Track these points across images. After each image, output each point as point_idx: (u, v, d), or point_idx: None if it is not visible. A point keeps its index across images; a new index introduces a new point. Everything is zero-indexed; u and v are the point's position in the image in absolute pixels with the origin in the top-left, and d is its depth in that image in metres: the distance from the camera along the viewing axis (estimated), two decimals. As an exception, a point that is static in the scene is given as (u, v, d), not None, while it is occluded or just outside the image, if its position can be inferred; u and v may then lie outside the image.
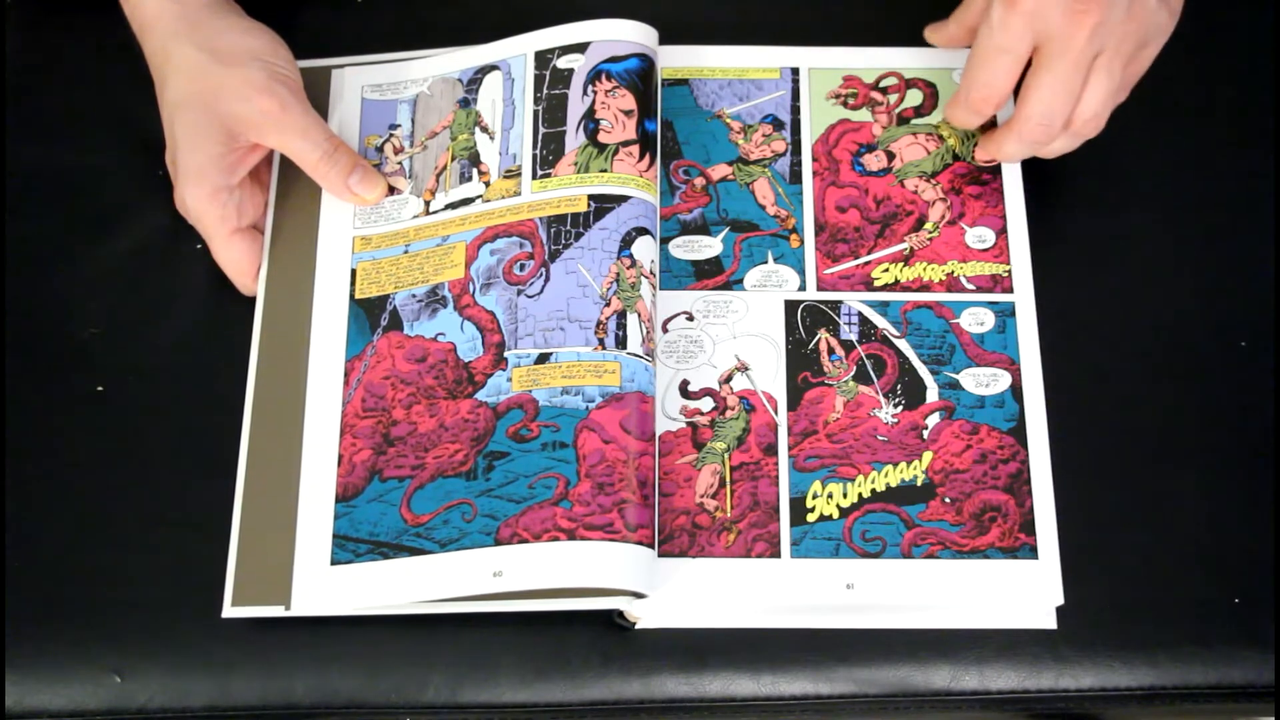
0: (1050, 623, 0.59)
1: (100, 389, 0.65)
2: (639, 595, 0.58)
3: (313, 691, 0.60)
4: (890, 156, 0.66)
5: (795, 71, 0.68)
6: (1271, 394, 0.62)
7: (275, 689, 0.60)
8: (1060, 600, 0.57)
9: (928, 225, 0.64)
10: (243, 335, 0.65)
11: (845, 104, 0.67)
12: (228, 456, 0.62)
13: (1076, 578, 0.58)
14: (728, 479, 0.61)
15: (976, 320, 0.62)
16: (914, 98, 0.67)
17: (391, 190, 0.66)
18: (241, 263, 0.65)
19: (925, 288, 0.63)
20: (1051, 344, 0.62)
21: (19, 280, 0.67)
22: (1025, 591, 0.58)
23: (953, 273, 0.63)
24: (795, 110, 0.67)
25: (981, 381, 0.61)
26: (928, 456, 0.60)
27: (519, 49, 0.67)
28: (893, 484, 0.60)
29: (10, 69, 0.72)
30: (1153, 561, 0.60)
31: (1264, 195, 0.66)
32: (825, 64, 0.68)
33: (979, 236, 0.63)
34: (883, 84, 0.67)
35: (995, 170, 0.65)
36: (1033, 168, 0.65)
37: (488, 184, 0.65)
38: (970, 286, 0.63)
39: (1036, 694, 0.59)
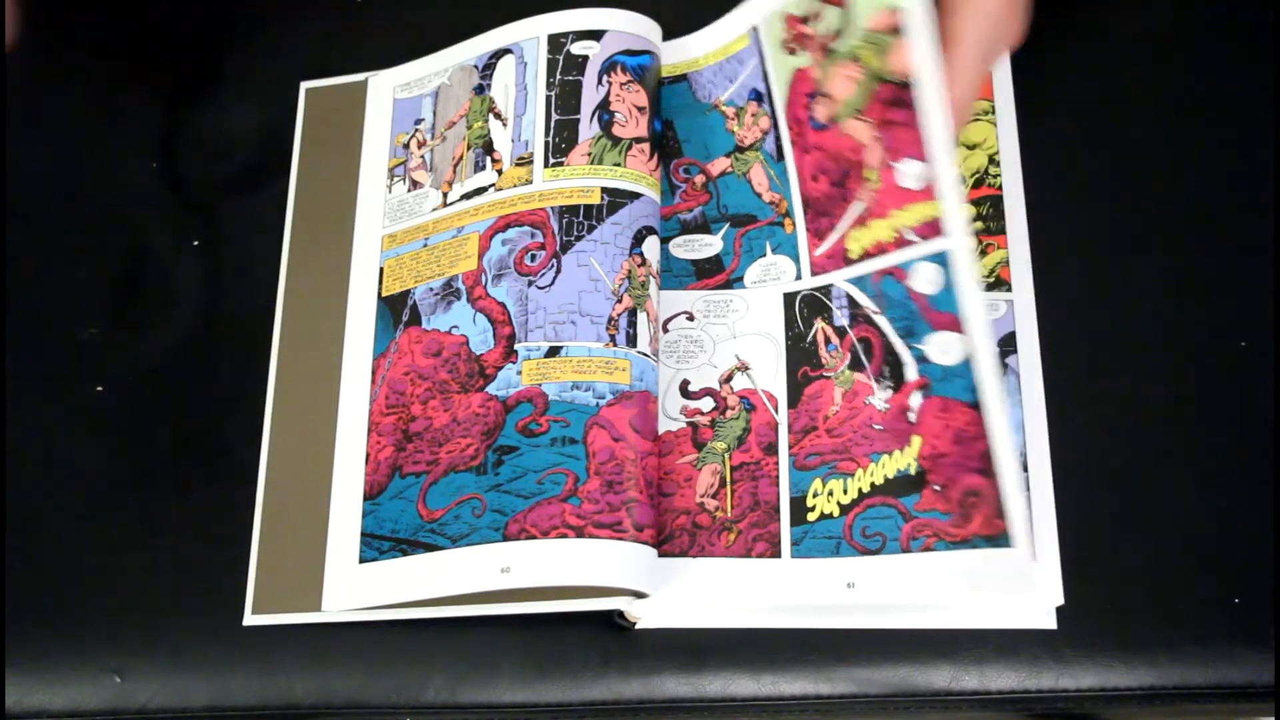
0: (1050, 623, 0.59)
1: (100, 389, 0.65)
2: (640, 595, 0.58)
3: (313, 691, 0.60)
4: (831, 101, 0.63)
5: (755, 31, 0.66)
6: (1271, 394, 0.62)
7: (275, 689, 0.60)
8: (1060, 600, 0.57)
9: (870, 175, 0.60)
10: (244, 335, 0.65)
11: (792, 51, 0.64)
12: (228, 457, 0.62)
13: (1076, 578, 0.58)
14: (728, 479, 0.61)
15: (925, 279, 0.59)
16: (831, 18, 0.62)
17: (415, 185, 0.66)
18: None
19: (882, 250, 0.60)
20: (1049, 343, 0.62)
21: (19, 280, 0.67)
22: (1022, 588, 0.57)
23: (897, 226, 0.59)
24: (765, 76, 0.66)
25: (942, 349, 0.58)
26: (917, 441, 0.59)
27: (531, 31, 0.66)
28: (889, 475, 0.59)
29: (10, 69, 0.72)
30: (1153, 561, 0.60)
31: (1264, 195, 0.66)
32: (770, 6, 0.65)
33: (911, 172, 0.58)
34: (805, 12, 0.64)
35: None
36: (1034, 168, 0.65)
37: (500, 172, 0.64)
38: (915, 238, 0.59)
39: (1036, 694, 0.59)
